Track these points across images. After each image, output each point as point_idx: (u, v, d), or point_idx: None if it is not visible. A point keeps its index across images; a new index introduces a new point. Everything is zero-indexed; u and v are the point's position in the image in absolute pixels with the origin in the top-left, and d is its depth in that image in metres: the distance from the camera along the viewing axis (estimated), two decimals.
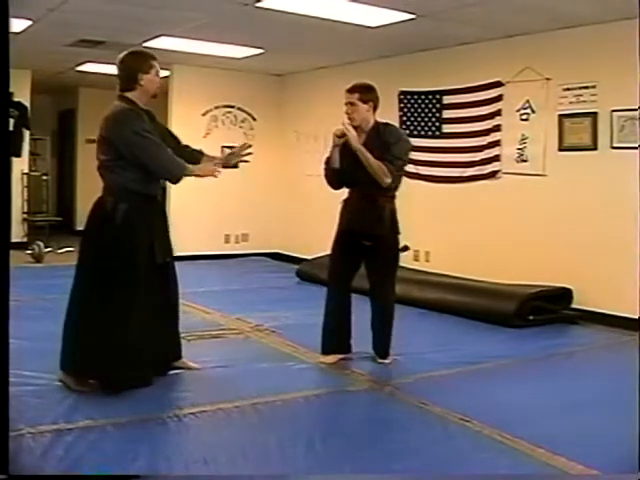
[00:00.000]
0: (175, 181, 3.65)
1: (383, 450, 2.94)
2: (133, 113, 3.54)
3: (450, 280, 6.39)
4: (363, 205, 4.11)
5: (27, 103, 9.12)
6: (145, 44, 6.90)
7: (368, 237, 4.10)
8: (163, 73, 8.84)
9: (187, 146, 3.95)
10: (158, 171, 3.60)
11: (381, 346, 4.27)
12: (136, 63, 3.60)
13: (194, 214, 8.61)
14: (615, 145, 5.50)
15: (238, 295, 6.47)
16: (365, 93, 4.10)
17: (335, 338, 4.26)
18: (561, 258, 5.86)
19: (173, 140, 3.86)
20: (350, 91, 4.10)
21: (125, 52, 3.68)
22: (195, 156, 3.89)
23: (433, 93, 7.02)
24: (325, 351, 4.26)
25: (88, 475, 2.60)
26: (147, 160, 3.52)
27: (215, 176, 3.78)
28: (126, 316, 3.55)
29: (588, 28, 5.60)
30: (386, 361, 4.25)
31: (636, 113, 5.15)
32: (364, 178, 4.00)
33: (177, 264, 3.95)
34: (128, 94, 3.59)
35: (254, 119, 9.28)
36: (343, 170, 4.13)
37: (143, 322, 3.60)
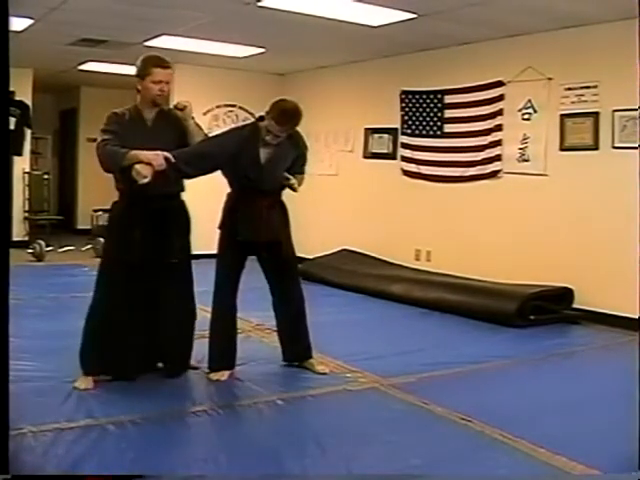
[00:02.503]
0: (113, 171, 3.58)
1: (383, 450, 2.94)
2: (111, 115, 3.57)
3: (451, 280, 6.38)
4: (274, 212, 3.92)
5: (29, 102, 9.11)
6: (146, 43, 6.90)
7: (273, 244, 3.93)
8: None
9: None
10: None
11: (307, 348, 4.11)
12: (138, 69, 3.64)
13: (194, 213, 8.60)
14: (616, 145, 5.49)
15: (239, 294, 6.46)
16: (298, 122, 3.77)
17: (228, 355, 4.05)
18: (562, 258, 5.85)
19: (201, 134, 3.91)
20: (290, 123, 3.70)
21: None
22: None
23: (435, 93, 7.01)
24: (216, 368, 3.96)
25: (90, 475, 2.60)
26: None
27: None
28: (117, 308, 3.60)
29: (590, 28, 5.60)
30: (320, 366, 4.09)
31: (637, 113, 5.15)
32: (277, 185, 3.89)
33: None
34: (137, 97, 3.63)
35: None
36: (260, 176, 3.80)
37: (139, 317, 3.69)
